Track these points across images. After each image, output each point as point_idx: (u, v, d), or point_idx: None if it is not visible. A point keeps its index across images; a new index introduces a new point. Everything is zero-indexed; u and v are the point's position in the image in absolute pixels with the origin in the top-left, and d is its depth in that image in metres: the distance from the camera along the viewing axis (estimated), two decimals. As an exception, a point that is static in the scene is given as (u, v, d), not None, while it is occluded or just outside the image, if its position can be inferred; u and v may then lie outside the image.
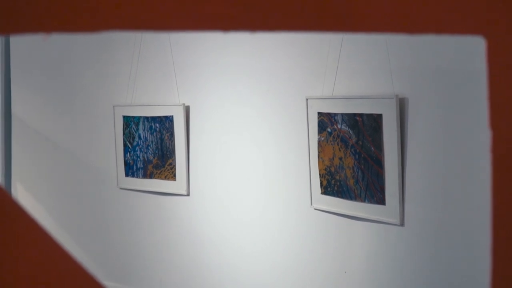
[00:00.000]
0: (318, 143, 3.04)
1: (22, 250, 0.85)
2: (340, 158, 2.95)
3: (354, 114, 2.87)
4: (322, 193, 3.05)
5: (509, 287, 0.87)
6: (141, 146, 3.84)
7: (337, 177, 2.97)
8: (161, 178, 3.76)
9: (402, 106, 2.71)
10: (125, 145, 3.92)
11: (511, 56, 0.87)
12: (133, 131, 3.87)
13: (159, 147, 3.75)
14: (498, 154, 0.89)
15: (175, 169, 3.68)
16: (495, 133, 0.89)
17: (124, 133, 3.92)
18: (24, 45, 4.49)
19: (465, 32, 0.89)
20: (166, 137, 3.71)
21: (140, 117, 3.82)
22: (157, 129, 3.74)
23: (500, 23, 0.88)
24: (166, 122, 3.69)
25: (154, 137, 3.77)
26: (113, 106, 3.95)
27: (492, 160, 0.89)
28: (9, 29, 0.86)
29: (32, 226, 0.85)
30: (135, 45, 3.83)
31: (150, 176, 3.81)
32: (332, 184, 2.99)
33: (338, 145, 2.95)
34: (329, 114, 2.98)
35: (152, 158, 3.79)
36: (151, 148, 3.79)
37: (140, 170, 3.86)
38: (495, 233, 0.88)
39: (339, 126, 2.94)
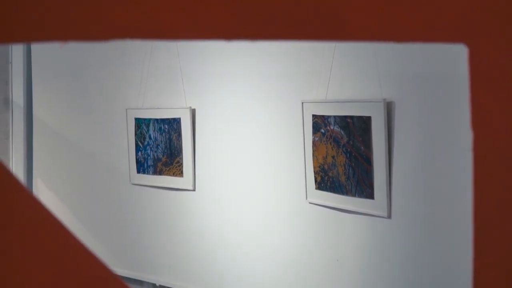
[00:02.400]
0: (313, 143, 3.03)
1: (38, 240, 0.84)
2: (333, 157, 2.94)
3: (345, 116, 2.86)
4: (316, 189, 3.04)
5: (490, 277, 0.87)
6: (151, 146, 3.83)
7: (330, 174, 2.96)
8: (169, 175, 3.75)
9: (389, 109, 2.70)
10: (136, 145, 3.91)
11: (491, 63, 0.87)
12: (144, 132, 3.86)
13: (168, 146, 3.74)
14: (478, 153, 0.88)
15: (182, 166, 3.68)
16: (476, 133, 0.88)
17: (136, 134, 3.92)
18: (44, 53, 4.48)
19: (448, 41, 0.88)
20: (174, 137, 3.70)
21: (151, 119, 3.82)
22: (166, 130, 3.74)
23: (481, 32, 0.87)
24: (174, 124, 3.69)
25: (163, 137, 3.76)
26: (126, 109, 3.95)
27: (473, 158, 0.89)
28: (30, 37, 0.85)
29: (49, 218, 0.85)
30: (146, 53, 3.82)
31: (160, 173, 3.80)
32: (326, 180, 2.99)
33: (331, 144, 2.95)
34: (322, 116, 2.97)
35: (161, 156, 3.78)
36: (160, 147, 3.78)
37: (151, 167, 3.85)
38: (476, 225, 0.87)
39: (331, 127, 2.93)
